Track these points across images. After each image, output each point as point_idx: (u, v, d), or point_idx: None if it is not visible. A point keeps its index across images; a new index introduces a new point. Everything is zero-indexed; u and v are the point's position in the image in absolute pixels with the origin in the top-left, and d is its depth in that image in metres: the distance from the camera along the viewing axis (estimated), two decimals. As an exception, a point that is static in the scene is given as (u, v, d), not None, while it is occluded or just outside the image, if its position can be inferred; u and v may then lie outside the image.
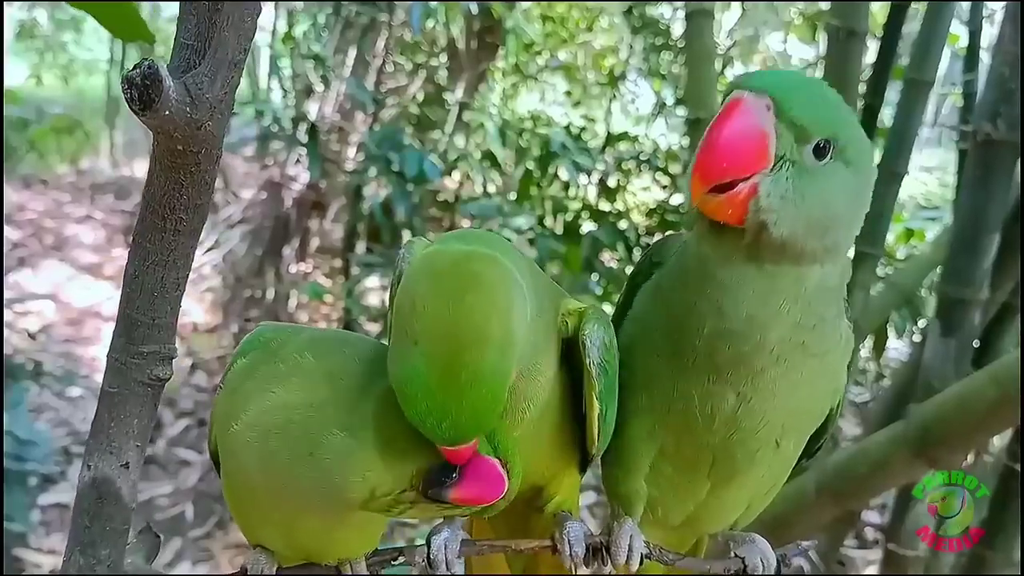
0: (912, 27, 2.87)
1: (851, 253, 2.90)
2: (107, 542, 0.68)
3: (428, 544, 0.79)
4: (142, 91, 0.52)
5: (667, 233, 0.88)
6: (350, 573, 0.80)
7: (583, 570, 0.80)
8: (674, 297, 0.77)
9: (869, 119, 2.82)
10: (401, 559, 0.81)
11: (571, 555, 0.79)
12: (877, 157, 2.83)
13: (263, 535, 0.81)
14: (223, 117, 0.56)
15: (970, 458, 2.32)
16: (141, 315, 0.65)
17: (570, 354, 0.79)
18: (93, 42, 8.33)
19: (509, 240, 0.86)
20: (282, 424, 0.70)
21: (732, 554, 0.82)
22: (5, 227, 5.71)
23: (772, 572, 0.80)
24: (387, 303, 0.86)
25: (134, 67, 0.52)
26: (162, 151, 0.57)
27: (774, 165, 0.68)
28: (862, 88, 2.87)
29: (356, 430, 0.68)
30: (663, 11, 5.22)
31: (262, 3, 0.54)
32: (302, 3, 5.08)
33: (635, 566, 0.79)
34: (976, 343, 2.29)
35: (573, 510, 0.88)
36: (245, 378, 0.75)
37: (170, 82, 0.52)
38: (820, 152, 0.69)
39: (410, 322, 0.64)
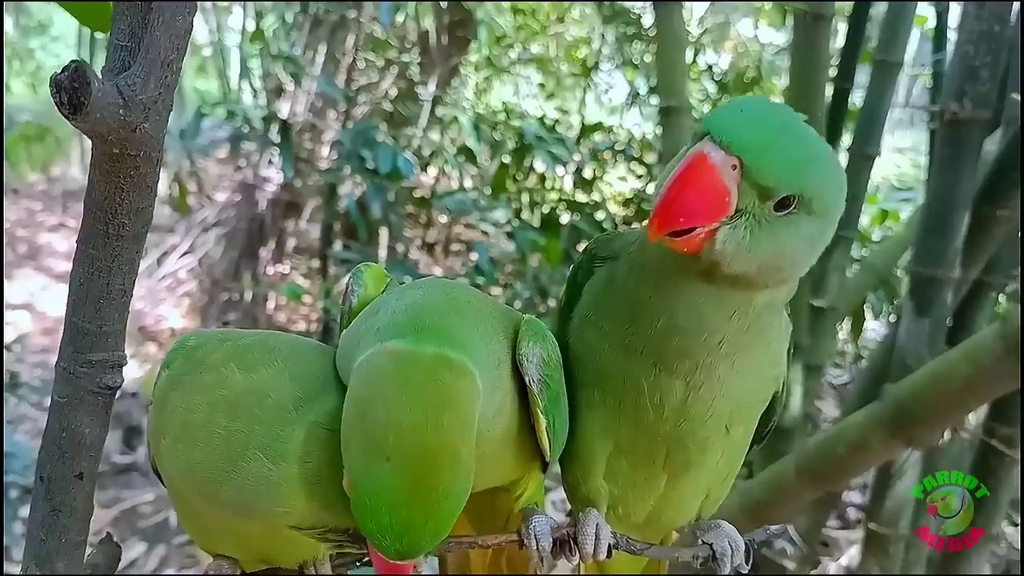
0: (880, 10, 2.89)
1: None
2: (63, 555, 0.67)
3: (395, 542, 0.79)
4: (71, 94, 0.50)
5: (608, 231, 0.88)
6: (313, 574, 0.79)
7: (550, 562, 0.79)
8: (630, 289, 0.77)
9: (839, 103, 2.84)
10: (368, 558, 0.79)
11: (538, 549, 0.79)
12: (848, 140, 2.86)
13: (217, 545, 0.80)
14: (160, 119, 0.55)
15: (947, 435, 2.34)
16: (88, 323, 0.64)
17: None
18: (61, 47, 8.22)
19: (464, 287, 0.85)
20: (205, 438, 0.68)
21: (699, 541, 0.82)
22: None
23: (741, 556, 0.80)
24: (341, 320, 0.84)
25: (62, 69, 0.51)
26: (99, 155, 0.55)
27: (734, 215, 0.68)
28: (832, 72, 2.89)
29: (279, 460, 0.67)
30: (634, 1, 5.23)
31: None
32: (271, 2, 5.03)
33: (603, 555, 0.79)
34: (949, 322, 2.31)
35: (540, 504, 0.88)
36: (169, 390, 0.72)
37: (99, 84, 0.50)
38: (783, 205, 0.68)
39: (383, 436, 0.63)
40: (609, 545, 0.79)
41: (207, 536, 0.80)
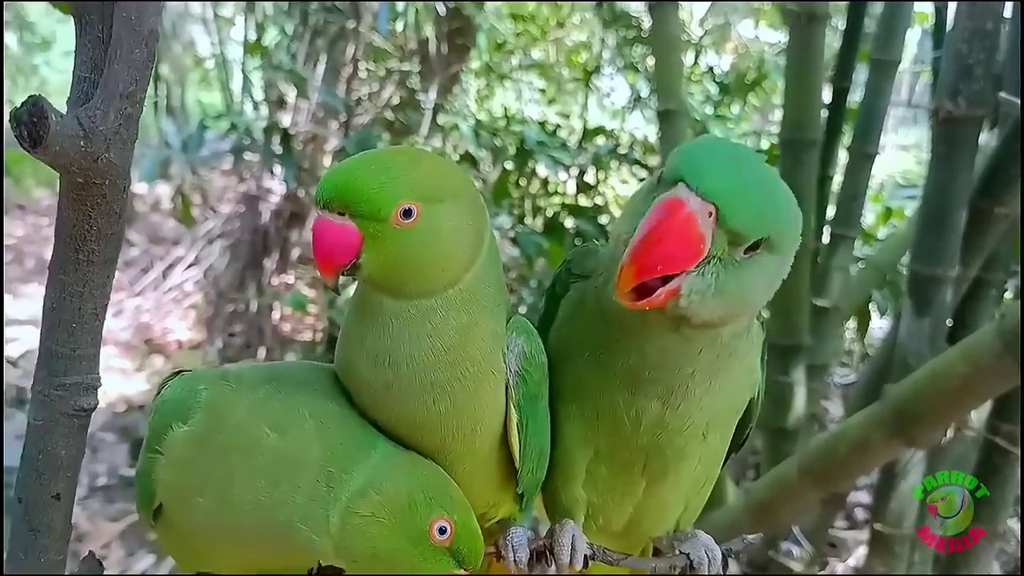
0: (878, 8, 2.88)
1: (826, 238, 2.84)
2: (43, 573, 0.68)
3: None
4: (30, 128, 0.52)
5: (586, 245, 0.88)
6: None
7: (526, 573, 0.80)
8: (598, 324, 0.78)
9: (838, 102, 2.83)
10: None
11: (515, 560, 0.80)
12: (847, 139, 2.85)
13: (205, 564, 0.81)
14: (125, 148, 0.56)
15: (950, 434, 2.33)
16: (61, 347, 0.65)
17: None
18: (65, 63, 8.27)
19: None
20: (251, 505, 0.72)
21: (676, 551, 0.82)
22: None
23: (718, 567, 0.80)
24: None
25: (22, 104, 0.52)
26: (66, 185, 0.57)
27: (700, 262, 0.68)
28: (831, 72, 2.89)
29: (321, 534, 0.72)
30: (634, 4, 5.22)
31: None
32: (271, 10, 5.05)
33: (579, 565, 0.79)
34: (951, 321, 2.30)
35: (517, 519, 0.88)
36: (196, 449, 0.74)
37: (56, 117, 0.52)
38: (751, 248, 0.69)
39: None
40: (585, 556, 0.80)
41: (198, 559, 0.82)
